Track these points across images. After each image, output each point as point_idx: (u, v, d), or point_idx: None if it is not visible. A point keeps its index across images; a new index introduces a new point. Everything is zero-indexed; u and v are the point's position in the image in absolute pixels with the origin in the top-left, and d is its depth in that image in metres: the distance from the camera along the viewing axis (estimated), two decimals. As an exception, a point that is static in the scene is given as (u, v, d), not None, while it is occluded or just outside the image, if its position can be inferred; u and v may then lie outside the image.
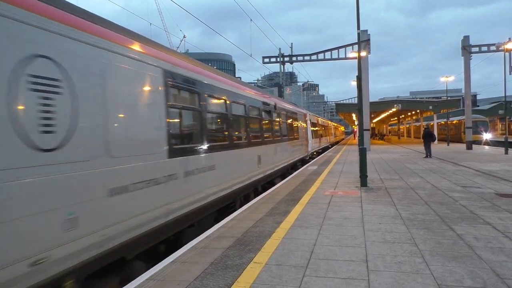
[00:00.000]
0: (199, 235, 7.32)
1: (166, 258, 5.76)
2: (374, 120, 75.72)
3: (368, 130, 35.21)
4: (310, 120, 31.87)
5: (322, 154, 31.90)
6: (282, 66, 50.00)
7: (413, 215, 8.24)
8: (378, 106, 48.31)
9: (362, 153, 13.11)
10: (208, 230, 7.38)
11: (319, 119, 40.84)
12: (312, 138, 31.71)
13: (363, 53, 26.88)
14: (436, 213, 8.39)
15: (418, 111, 52.43)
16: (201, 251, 6.03)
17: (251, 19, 34.22)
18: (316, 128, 34.85)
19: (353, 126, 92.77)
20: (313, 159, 29.79)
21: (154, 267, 5.40)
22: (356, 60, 15.47)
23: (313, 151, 32.52)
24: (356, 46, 22.00)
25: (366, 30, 34.13)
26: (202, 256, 5.80)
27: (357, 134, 45.65)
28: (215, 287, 4.60)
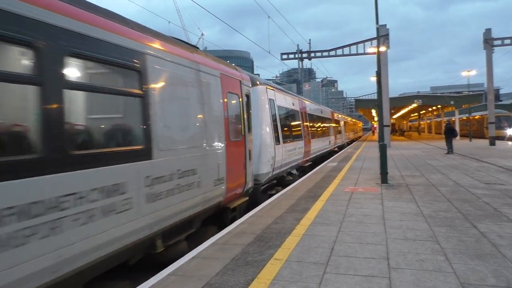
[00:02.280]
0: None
1: (188, 254, 5.83)
2: (394, 116, 74.78)
3: (388, 126, 34.82)
4: (334, 118, 31.18)
5: (342, 151, 31.71)
6: (300, 62, 49.81)
7: (435, 212, 8.14)
8: (398, 102, 47.72)
9: (382, 149, 12.98)
10: (229, 226, 7.44)
11: (339, 115, 39.70)
12: (336, 134, 31.46)
13: (382, 48, 26.52)
14: (458, 210, 8.27)
15: (439, 106, 51.58)
16: (222, 247, 6.08)
17: (268, 16, 34.18)
18: (337, 125, 33.99)
19: (373, 122, 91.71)
20: (336, 153, 29.90)
21: (175, 262, 5.47)
22: (375, 55, 15.32)
23: (336, 146, 31.66)
24: (375, 41, 21.75)
25: (385, 25, 33.75)
26: (223, 252, 5.86)
27: (377, 130, 45.18)
28: (235, 283, 4.64)
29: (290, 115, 15.77)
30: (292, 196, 10.59)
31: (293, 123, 16.15)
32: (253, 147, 10.07)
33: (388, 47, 33.34)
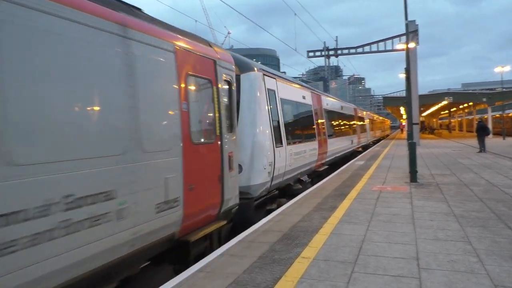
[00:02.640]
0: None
1: (215, 251, 5.87)
2: (423, 114, 73.24)
3: (417, 124, 34.13)
4: (358, 115, 29.38)
5: (368, 150, 31.28)
6: (327, 60, 49.41)
7: (467, 212, 7.93)
8: (428, 99, 46.70)
9: (412, 147, 12.75)
10: (256, 224, 7.46)
11: (364, 112, 38.00)
12: (362, 132, 29.86)
13: (411, 44, 25.98)
14: (491, 210, 8.03)
15: (470, 103, 50.18)
16: (249, 245, 6.10)
17: (295, 14, 34.02)
18: (361, 123, 32.79)
19: (401, 120, 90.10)
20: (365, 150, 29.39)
21: (203, 259, 5.52)
22: (404, 52, 15.02)
23: (366, 143, 30.52)
24: (403, 38, 21.36)
25: (414, 21, 33.05)
26: (250, 249, 5.87)
27: (406, 128, 44.35)
28: (263, 281, 4.64)
29: (299, 110, 13.25)
30: (319, 194, 10.52)
31: (303, 121, 13.57)
32: (238, 151, 7.73)
33: (417, 43, 32.67)
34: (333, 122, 19.12)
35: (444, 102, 45.86)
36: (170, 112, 5.35)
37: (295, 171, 11.66)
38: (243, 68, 9.06)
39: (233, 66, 7.67)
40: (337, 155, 19.17)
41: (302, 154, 12.28)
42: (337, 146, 19.00)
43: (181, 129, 5.53)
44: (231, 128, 7.28)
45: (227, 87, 7.26)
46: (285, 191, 11.18)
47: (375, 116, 54.60)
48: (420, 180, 12.48)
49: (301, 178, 12.64)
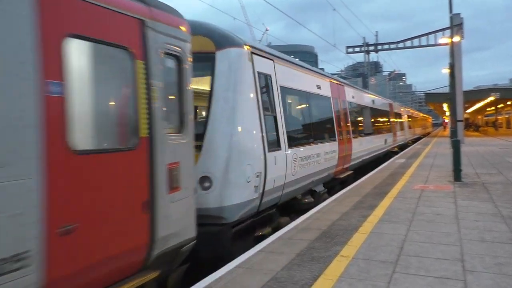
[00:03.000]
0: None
1: (254, 247, 5.89)
2: (468, 111, 70.59)
3: (461, 121, 32.94)
4: (394, 111, 26.14)
5: (411, 147, 30.48)
6: (366, 55, 48.53)
7: (515, 213, 7.59)
8: (473, 95, 44.98)
9: (456, 145, 12.32)
10: (294, 222, 7.43)
11: (401, 108, 34.07)
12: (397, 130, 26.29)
13: (455, 38, 25.02)
14: (542, 211, 7.65)
15: (519, 100, 47.93)
16: (287, 242, 6.09)
17: (334, 9, 33.60)
18: (398, 120, 29.44)
19: (444, 117, 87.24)
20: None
21: (242, 255, 5.55)
22: (448, 47, 14.53)
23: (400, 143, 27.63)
24: (447, 31, 20.59)
25: (459, 14, 31.84)
26: (288, 246, 5.86)
27: (449, 125, 42.89)
28: (301, 278, 4.62)
29: (311, 103, 10.39)
30: (357, 192, 10.35)
31: (317, 116, 10.77)
32: (191, 160, 5.16)
33: (462, 37, 31.48)
34: (361, 118, 15.99)
35: (491, 98, 44.02)
36: (8, 95, 3.00)
37: (304, 181, 9.09)
38: (219, 42, 6.65)
39: (186, 34, 5.21)
40: (365, 157, 16.08)
41: (314, 159, 9.70)
42: (365, 147, 15.87)
43: (42, 128, 3.22)
44: (181, 126, 5.00)
45: (172, 64, 4.97)
46: (291, 205, 8.89)
47: (415, 113, 50.83)
48: (464, 179, 12.04)
49: (315, 189, 10.12)
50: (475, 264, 4.94)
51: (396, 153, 25.69)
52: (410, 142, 37.04)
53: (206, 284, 4.55)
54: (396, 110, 27.57)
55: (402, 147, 30.43)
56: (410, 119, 38.74)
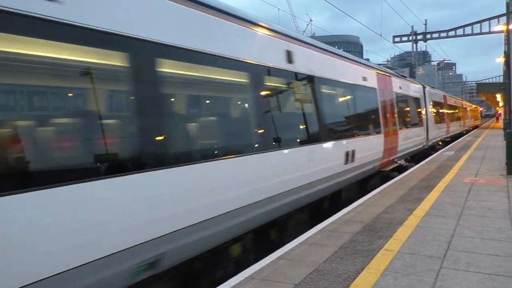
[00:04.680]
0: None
1: (296, 239, 5.88)
2: (524, 101, 66.90)
3: (516, 112, 31.24)
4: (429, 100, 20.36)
5: (460, 139, 29.30)
6: (414, 44, 47.01)
7: None
8: (529, 85, 42.55)
9: (509, 137, 11.71)
10: (336, 214, 7.34)
11: (443, 94, 27.25)
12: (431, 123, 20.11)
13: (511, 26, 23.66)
14: None
15: None
16: (330, 234, 6.02)
17: (381, -3, 32.68)
18: (444, 110, 25.25)
19: (497, 108, 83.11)
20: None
21: (284, 247, 5.55)
22: (503, 34, 13.79)
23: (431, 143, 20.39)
24: (502, 19, 19.52)
25: (516, -1, 30.13)
26: (331, 239, 5.79)
27: (502, 117, 40.83)
28: (344, 271, 4.56)
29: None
30: (403, 185, 10.08)
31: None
32: None
33: (518, 23, 29.78)
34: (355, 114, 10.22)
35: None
36: None
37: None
38: None
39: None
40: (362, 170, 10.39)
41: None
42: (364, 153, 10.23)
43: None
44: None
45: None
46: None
47: (461, 102, 42.08)
48: (518, 172, 11.44)
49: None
50: (529, 261, 4.70)
51: (435, 150, 21.86)
52: (450, 138, 28.77)
53: (249, 274, 4.58)
54: (433, 99, 21.86)
55: (448, 142, 26.55)
56: (454, 110, 31.92)
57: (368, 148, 10.34)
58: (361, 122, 10.09)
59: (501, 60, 26.74)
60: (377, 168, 11.59)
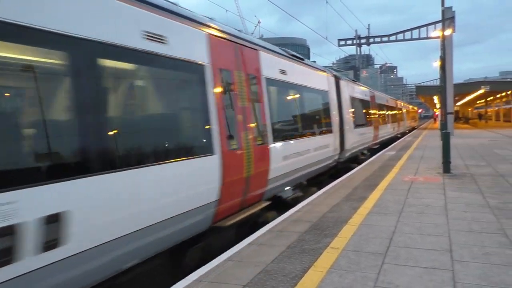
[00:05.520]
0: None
1: (244, 240, 5.90)
2: (458, 103, 71.01)
3: (451, 113, 33.16)
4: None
5: (401, 139, 30.64)
6: (358, 48, 48.57)
7: (503, 204, 7.68)
8: (463, 88, 45.25)
9: (445, 137, 12.40)
10: (284, 214, 7.45)
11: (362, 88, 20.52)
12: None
13: (447, 32, 25.01)
14: (530, 202, 7.74)
15: (508, 92, 48.33)
16: (278, 234, 6.11)
17: (326, 1, 33.54)
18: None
19: (435, 110, 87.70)
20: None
21: (232, 248, 5.56)
22: (439, 40, 14.57)
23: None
24: (439, 25, 20.63)
25: (451, 7, 31.96)
26: (279, 239, 5.87)
27: (439, 118, 43.18)
28: (292, 270, 4.64)
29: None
30: (348, 185, 10.40)
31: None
32: None
33: (453, 30, 31.58)
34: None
35: (480, 91, 44.35)
36: None
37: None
38: None
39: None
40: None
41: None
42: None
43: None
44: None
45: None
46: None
47: (394, 101, 35.02)
48: (453, 171, 12.15)
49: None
50: (463, 254, 5.00)
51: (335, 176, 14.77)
52: (378, 145, 23.91)
53: (197, 277, 4.55)
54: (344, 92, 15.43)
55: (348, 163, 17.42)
56: (383, 109, 26.52)
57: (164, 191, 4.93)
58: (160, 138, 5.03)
59: (437, 64, 28.37)
60: (204, 225, 5.96)
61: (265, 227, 6.56)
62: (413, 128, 56.15)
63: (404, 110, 42.65)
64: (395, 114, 33.60)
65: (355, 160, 17.09)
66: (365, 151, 19.28)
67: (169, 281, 5.26)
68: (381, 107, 25.29)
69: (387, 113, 27.99)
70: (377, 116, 22.98)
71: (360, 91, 19.46)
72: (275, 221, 6.93)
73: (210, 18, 6.60)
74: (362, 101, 19.00)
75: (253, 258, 5.09)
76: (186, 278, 4.55)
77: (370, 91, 22.68)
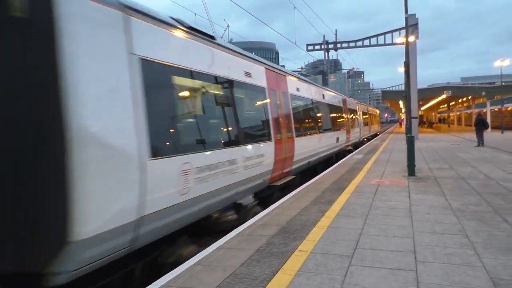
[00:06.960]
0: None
1: (213, 244, 5.89)
2: (422, 108, 73.25)
3: (416, 118, 34.14)
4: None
5: (368, 143, 31.26)
6: (326, 53, 49.29)
7: (464, 205, 7.96)
8: (427, 93, 46.72)
9: (410, 141, 12.76)
10: (253, 218, 7.47)
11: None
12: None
13: (411, 38, 25.72)
14: (489, 204, 8.06)
15: (469, 97, 50.21)
16: (247, 238, 6.12)
17: (295, 7, 33.91)
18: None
19: (400, 114, 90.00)
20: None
21: (201, 252, 5.54)
22: (404, 46, 15.00)
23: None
24: (403, 31, 21.26)
25: (414, 14, 32.98)
26: (248, 242, 5.89)
27: (404, 122, 44.34)
28: (260, 274, 4.66)
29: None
30: (316, 188, 10.53)
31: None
32: None
33: (417, 37, 32.58)
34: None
35: (443, 96, 45.88)
36: None
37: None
38: None
39: None
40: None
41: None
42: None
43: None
44: None
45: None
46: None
47: (347, 99, 25.65)
48: (418, 174, 12.51)
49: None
50: (426, 255, 5.15)
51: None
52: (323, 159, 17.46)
53: (164, 282, 4.51)
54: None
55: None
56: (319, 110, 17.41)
57: None
58: None
59: (402, 69, 29.19)
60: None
61: (234, 231, 6.57)
62: (376, 135, 48.95)
63: (359, 114, 32.41)
64: (349, 118, 24.99)
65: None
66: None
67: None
68: (322, 108, 17.21)
69: (337, 116, 20.87)
70: (316, 120, 15.95)
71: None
72: (244, 225, 6.94)
73: (177, 20, 6.75)
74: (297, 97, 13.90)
75: (222, 262, 5.08)
76: (154, 283, 4.50)
77: (305, 79, 16.53)
